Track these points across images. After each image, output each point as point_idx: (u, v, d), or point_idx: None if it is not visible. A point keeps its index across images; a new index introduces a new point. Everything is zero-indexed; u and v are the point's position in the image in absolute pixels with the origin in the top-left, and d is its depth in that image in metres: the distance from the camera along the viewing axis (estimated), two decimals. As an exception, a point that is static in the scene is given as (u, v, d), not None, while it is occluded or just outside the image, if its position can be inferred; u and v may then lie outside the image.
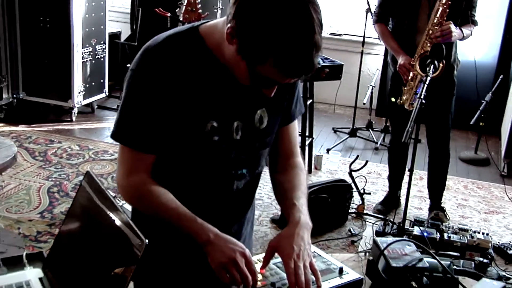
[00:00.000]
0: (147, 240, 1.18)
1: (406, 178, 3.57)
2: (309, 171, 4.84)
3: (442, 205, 4.15)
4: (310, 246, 1.56)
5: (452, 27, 3.51)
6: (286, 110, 1.69)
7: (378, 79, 6.47)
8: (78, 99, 5.66)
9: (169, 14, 4.49)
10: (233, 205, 1.69)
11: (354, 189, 4.07)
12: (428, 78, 3.11)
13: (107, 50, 5.99)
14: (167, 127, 1.50)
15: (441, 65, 3.41)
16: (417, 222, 3.61)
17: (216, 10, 5.20)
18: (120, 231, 1.27)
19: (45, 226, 3.63)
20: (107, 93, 6.10)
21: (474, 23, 3.73)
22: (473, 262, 3.00)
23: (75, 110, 5.72)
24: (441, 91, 3.77)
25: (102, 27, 5.89)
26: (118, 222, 1.29)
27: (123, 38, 6.83)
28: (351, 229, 3.87)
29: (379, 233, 3.51)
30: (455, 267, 1.64)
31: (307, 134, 4.73)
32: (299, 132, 4.52)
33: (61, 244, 1.51)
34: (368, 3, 5.44)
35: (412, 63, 3.65)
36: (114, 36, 6.61)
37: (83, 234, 1.44)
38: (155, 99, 1.47)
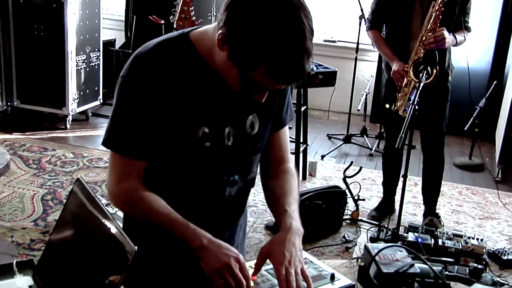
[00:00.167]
0: (136, 247, 1.18)
1: (400, 184, 3.57)
2: (304, 177, 4.84)
3: (437, 211, 4.15)
4: (301, 252, 1.55)
5: (446, 33, 3.51)
6: (277, 116, 1.70)
7: (372, 86, 6.48)
8: (73, 106, 5.65)
9: (163, 22, 4.49)
10: (225, 211, 1.69)
11: (349, 195, 4.07)
12: (421, 84, 3.12)
13: (101, 57, 5.99)
14: (158, 134, 1.50)
15: (434, 71, 3.42)
16: (412, 228, 3.61)
17: (210, 18, 5.21)
18: (110, 238, 1.26)
19: (38, 234, 3.61)
20: (101, 101, 6.09)
21: (468, 29, 3.74)
22: (467, 268, 3.00)
23: (69, 118, 5.70)
24: (435, 97, 3.78)
25: (96, 34, 5.88)
26: (107, 229, 1.29)
27: (117, 45, 6.83)
28: (346, 236, 3.87)
29: (373, 239, 3.51)
30: (447, 272, 1.63)
31: (301, 140, 4.73)
32: (294, 139, 4.52)
33: (51, 251, 1.51)
34: (361, 9, 5.45)
35: (406, 69, 3.65)
36: (109, 44, 6.61)
37: (73, 241, 1.43)
38: (146, 106, 1.47)
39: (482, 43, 6.19)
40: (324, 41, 6.96)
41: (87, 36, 5.73)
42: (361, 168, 4.38)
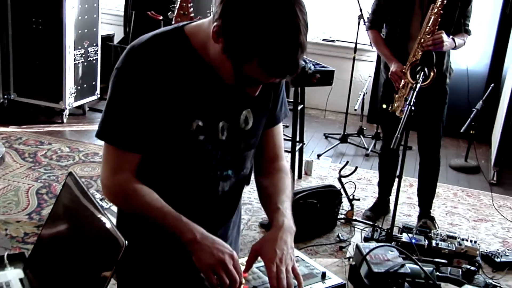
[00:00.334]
0: (126, 242, 1.18)
1: (396, 185, 3.57)
2: (299, 176, 4.84)
3: (432, 213, 4.16)
4: (293, 250, 1.56)
5: (444, 36, 3.51)
6: (271, 113, 1.70)
7: (370, 86, 6.48)
8: (70, 101, 5.65)
9: (161, 18, 4.49)
10: (219, 208, 1.69)
11: (344, 195, 4.07)
12: (418, 85, 3.12)
13: (99, 52, 5.99)
14: (152, 126, 1.50)
15: (432, 73, 3.42)
16: (406, 228, 3.61)
17: (209, 14, 5.21)
18: (101, 231, 1.27)
19: (32, 227, 3.61)
20: (98, 96, 6.09)
21: (468, 32, 3.74)
22: (460, 270, 3.01)
23: (66, 112, 5.70)
24: (433, 99, 3.78)
25: (94, 29, 5.87)
26: (99, 223, 1.29)
27: (116, 40, 6.82)
28: (340, 235, 3.87)
29: (367, 239, 3.52)
30: (437, 273, 1.64)
31: (297, 139, 4.73)
32: (290, 137, 4.52)
33: (43, 244, 1.51)
34: (361, 9, 5.45)
35: (403, 70, 3.65)
36: (107, 39, 6.60)
37: (64, 234, 1.43)
38: (140, 98, 1.47)
39: (480, 46, 6.19)
40: (323, 40, 6.95)
41: (86, 30, 5.72)
42: (356, 168, 4.39)
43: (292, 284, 1.46)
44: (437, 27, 3.52)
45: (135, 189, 1.53)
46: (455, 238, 3.54)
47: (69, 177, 1.45)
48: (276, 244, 1.51)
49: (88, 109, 6.10)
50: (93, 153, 4.95)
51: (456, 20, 3.66)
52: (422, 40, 3.55)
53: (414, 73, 3.42)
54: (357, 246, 1.67)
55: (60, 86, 5.54)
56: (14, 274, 1.49)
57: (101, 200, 3.45)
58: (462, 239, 3.53)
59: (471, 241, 3.52)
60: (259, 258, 1.54)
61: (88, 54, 5.81)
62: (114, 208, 2.55)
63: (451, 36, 3.60)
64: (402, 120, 2.93)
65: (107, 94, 1.54)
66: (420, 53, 3.54)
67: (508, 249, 3.81)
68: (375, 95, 6.50)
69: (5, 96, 5.70)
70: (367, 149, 5.68)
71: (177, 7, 3.99)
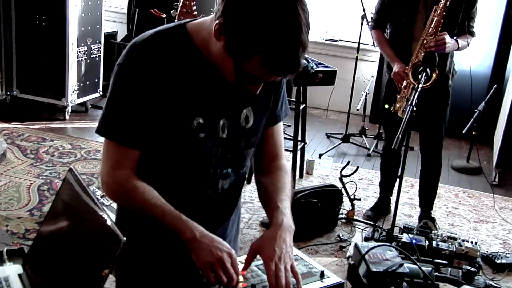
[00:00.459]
0: (125, 238, 1.18)
1: (397, 185, 3.57)
2: (301, 175, 4.84)
3: (433, 213, 4.15)
4: (292, 248, 1.55)
5: (447, 38, 3.49)
6: (272, 111, 1.70)
7: (372, 86, 6.48)
8: (72, 98, 5.66)
9: (164, 15, 4.49)
10: (218, 206, 1.69)
11: (345, 194, 4.07)
12: (420, 86, 3.12)
13: (102, 49, 6.00)
14: (153, 122, 1.50)
15: (434, 75, 3.41)
16: (406, 229, 3.61)
17: (211, 12, 5.18)
18: (100, 228, 1.27)
19: (33, 224, 3.61)
20: (101, 93, 6.10)
21: (472, 34, 3.71)
22: (460, 270, 3.01)
23: (69, 109, 5.71)
24: (436, 100, 3.77)
25: (98, 26, 5.88)
26: (97, 219, 1.29)
27: (119, 38, 6.82)
28: (340, 235, 3.87)
29: (368, 239, 3.52)
30: (436, 273, 1.64)
31: (299, 138, 4.73)
32: (292, 137, 4.52)
33: (42, 240, 1.51)
34: (364, 9, 5.45)
35: (406, 71, 3.65)
36: (110, 36, 6.61)
37: (62, 231, 1.43)
38: (141, 94, 1.47)
39: (483, 47, 6.18)
40: (326, 40, 6.95)
41: (89, 27, 5.73)
42: (357, 167, 4.38)
43: (291, 283, 1.46)
44: (439, 28, 3.51)
45: (135, 186, 1.53)
46: (455, 239, 3.54)
47: (69, 173, 1.46)
48: (275, 242, 1.51)
49: (90, 106, 6.11)
50: (95, 150, 4.96)
51: (460, 21, 3.65)
52: (425, 41, 3.55)
53: (416, 74, 3.41)
54: (356, 246, 1.67)
55: (63, 83, 5.56)
56: (13, 269, 1.49)
57: (101, 197, 3.45)
58: (463, 240, 3.52)
59: (471, 242, 3.52)
60: (258, 256, 1.54)
61: (91, 52, 5.82)
62: (114, 205, 2.55)
63: (454, 38, 3.59)
64: (403, 121, 2.93)
65: (108, 90, 1.54)
66: (423, 54, 3.54)
67: (508, 251, 3.81)
68: (377, 95, 6.48)
69: (8, 93, 5.71)
70: (369, 149, 5.68)
71: (180, 5, 3.99)
